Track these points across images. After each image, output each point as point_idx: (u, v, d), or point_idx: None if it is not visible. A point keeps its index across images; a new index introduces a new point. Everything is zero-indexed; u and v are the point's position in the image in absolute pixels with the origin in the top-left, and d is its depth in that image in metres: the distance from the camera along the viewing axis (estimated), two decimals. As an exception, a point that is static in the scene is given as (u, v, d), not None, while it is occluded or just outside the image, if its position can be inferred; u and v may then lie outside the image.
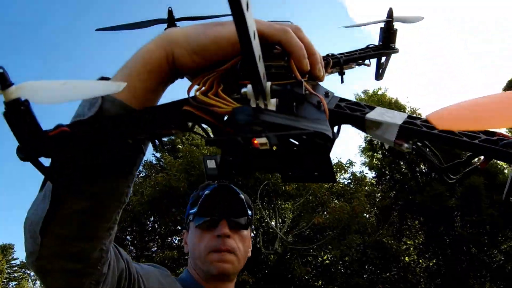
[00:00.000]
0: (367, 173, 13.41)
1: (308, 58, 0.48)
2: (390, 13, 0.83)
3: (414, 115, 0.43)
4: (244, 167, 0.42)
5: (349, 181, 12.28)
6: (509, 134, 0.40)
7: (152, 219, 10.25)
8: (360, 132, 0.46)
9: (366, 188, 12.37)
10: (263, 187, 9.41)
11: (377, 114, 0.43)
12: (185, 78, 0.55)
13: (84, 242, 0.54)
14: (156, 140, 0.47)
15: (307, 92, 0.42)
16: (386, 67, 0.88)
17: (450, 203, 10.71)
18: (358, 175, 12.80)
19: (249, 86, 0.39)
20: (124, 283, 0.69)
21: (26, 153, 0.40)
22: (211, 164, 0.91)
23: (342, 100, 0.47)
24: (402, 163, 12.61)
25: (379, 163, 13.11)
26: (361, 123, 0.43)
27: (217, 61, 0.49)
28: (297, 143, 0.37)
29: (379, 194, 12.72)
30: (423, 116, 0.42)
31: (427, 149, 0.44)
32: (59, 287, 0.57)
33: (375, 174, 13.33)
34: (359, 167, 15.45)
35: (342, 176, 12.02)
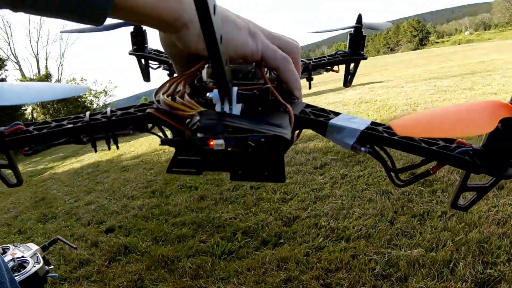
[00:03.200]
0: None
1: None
2: (359, 19, 0.83)
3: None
4: (195, 166, 0.43)
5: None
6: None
7: None
8: None
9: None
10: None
11: (340, 120, 0.45)
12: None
13: None
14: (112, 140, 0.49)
15: (273, 97, 0.43)
16: (354, 73, 0.89)
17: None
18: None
19: (215, 90, 0.39)
20: None
21: None
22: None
23: (308, 106, 0.48)
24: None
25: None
26: (323, 128, 0.45)
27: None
28: (253, 144, 0.38)
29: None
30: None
31: (382, 152, 0.46)
32: None
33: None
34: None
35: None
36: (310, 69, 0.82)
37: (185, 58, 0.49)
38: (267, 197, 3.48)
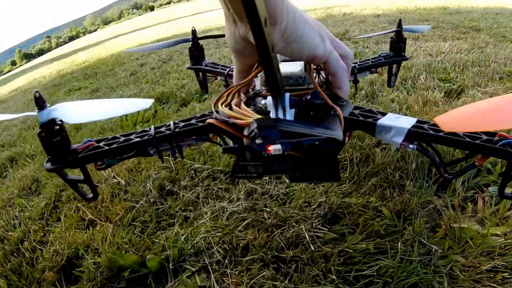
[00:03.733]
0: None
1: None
2: (400, 23, 0.84)
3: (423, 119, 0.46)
4: (256, 170, 0.42)
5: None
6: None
7: None
8: None
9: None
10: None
11: (388, 119, 0.46)
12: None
13: None
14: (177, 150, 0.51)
15: (323, 101, 0.43)
16: (397, 74, 0.91)
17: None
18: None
19: (269, 98, 0.40)
20: None
21: (53, 165, 0.47)
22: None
23: (356, 108, 0.50)
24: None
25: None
26: (371, 128, 0.46)
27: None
28: (307, 147, 0.38)
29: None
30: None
31: (429, 148, 0.48)
32: None
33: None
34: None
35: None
36: (356, 73, 0.86)
37: (249, 56, 0.45)
38: (174, 69, 3.25)
